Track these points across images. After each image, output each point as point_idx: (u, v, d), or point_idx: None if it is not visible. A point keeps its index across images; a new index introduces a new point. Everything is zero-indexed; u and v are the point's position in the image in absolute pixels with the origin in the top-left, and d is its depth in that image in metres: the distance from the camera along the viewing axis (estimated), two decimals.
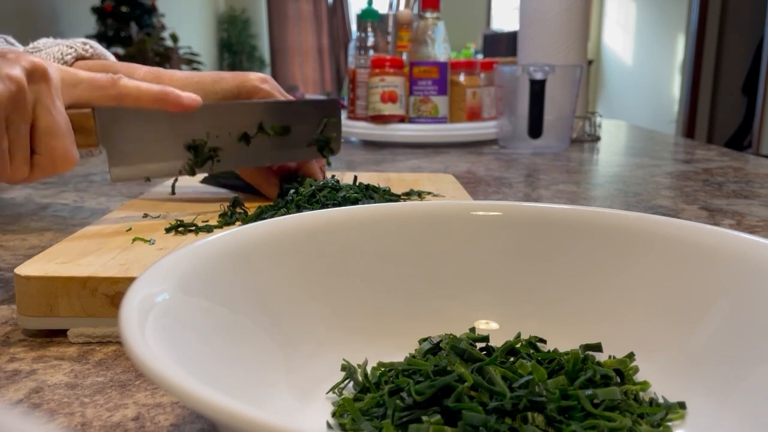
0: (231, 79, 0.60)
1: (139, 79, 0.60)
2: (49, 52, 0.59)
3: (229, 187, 0.64)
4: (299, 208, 0.50)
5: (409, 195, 0.60)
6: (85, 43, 0.61)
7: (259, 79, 0.60)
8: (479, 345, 0.32)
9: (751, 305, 0.28)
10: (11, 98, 0.41)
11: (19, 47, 0.63)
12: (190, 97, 0.50)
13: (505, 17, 5.90)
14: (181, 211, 0.54)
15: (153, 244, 0.44)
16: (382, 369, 0.30)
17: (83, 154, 0.58)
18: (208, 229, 0.48)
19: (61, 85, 0.45)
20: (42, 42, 0.61)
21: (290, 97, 0.63)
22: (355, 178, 0.57)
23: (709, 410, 0.27)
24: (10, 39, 0.65)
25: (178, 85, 0.60)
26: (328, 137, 0.61)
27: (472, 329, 0.34)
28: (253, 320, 0.29)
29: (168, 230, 0.47)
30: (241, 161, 0.58)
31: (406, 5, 1.39)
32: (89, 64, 0.60)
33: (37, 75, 0.43)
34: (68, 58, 0.59)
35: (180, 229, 0.47)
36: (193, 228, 0.48)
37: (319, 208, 0.44)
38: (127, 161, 0.52)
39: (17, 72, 0.42)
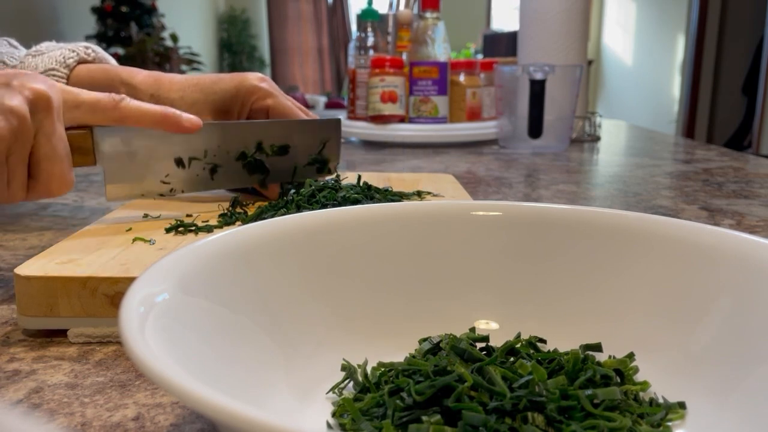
0: (229, 79, 0.60)
1: (139, 83, 0.60)
2: (52, 56, 0.59)
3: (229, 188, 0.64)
4: (299, 208, 0.50)
5: (411, 195, 0.60)
6: (87, 47, 0.61)
7: (257, 78, 0.60)
8: (479, 345, 0.32)
9: (751, 305, 0.28)
10: (13, 132, 0.41)
11: (22, 50, 0.63)
12: (190, 119, 0.50)
13: (505, 17, 5.90)
14: (181, 212, 0.54)
15: (153, 244, 0.44)
16: (382, 369, 0.30)
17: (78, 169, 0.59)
18: (208, 229, 0.48)
19: (63, 106, 0.45)
20: (45, 46, 0.61)
21: (288, 97, 0.63)
22: (359, 177, 0.57)
23: (709, 410, 0.27)
24: (13, 42, 0.65)
25: (178, 88, 0.60)
26: (326, 157, 0.62)
27: (472, 329, 0.34)
28: (253, 320, 0.29)
29: (168, 230, 0.47)
30: (238, 180, 0.58)
31: (406, 5, 1.39)
32: (90, 68, 0.60)
33: (40, 104, 0.43)
34: (70, 62, 0.59)
35: (180, 229, 0.47)
36: (193, 228, 0.48)
37: (319, 208, 0.44)
38: (123, 179, 0.52)
39: (20, 104, 0.42)
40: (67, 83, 0.59)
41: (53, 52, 0.60)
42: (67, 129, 0.46)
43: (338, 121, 0.63)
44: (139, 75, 0.60)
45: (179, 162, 0.54)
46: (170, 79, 0.60)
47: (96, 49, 0.62)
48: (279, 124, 0.59)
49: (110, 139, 0.50)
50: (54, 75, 0.59)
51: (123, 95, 0.48)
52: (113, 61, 0.65)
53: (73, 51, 0.60)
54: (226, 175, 0.57)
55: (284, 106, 0.62)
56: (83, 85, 0.59)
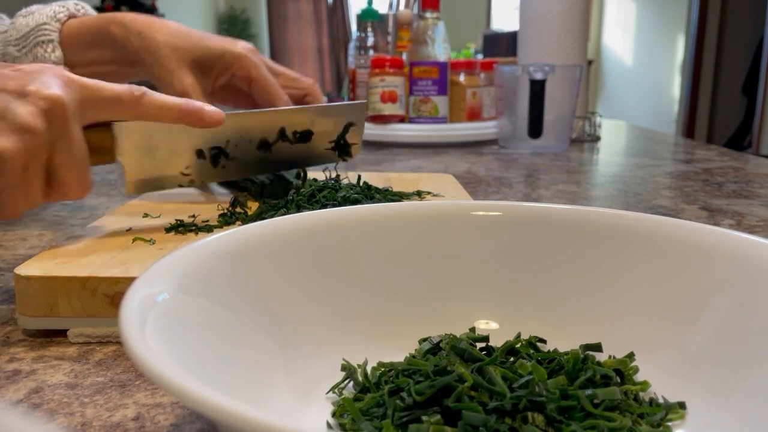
0: (220, 40, 0.60)
1: (130, 20, 0.60)
2: (42, 13, 0.60)
3: (229, 186, 0.64)
4: (299, 208, 0.50)
5: (411, 195, 0.60)
6: (77, 4, 0.62)
7: (246, 48, 0.60)
8: (479, 345, 0.32)
9: (751, 305, 0.28)
10: (28, 150, 0.39)
11: (6, 21, 0.63)
12: (212, 113, 0.48)
13: (505, 17, 5.90)
14: (181, 212, 0.54)
15: (153, 244, 0.44)
16: (382, 369, 0.30)
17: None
18: (208, 229, 0.48)
19: (82, 105, 0.43)
20: (35, 7, 0.62)
21: (278, 67, 0.62)
22: (359, 177, 0.57)
23: (709, 410, 0.27)
24: (3, 16, 0.65)
25: (166, 32, 0.60)
26: (348, 142, 0.60)
27: (472, 329, 0.34)
28: (253, 320, 0.29)
29: (168, 230, 0.47)
30: (259, 168, 0.57)
31: (406, 5, 1.40)
32: (83, 19, 0.60)
33: (56, 113, 0.40)
34: (61, 16, 0.60)
35: (180, 229, 0.47)
36: (193, 228, 0.48)
37: (319, 208, 0.44)
38: (142, 174, 0.51)
39: (35, 120, 0.39)
40: (60, 37, 0.59)
41: (43, 9, 0.60)
42: (86, 128, 0.45)
43: (363, 104, 0.62)
44: (134, 16, 0.61)
45: (200, 153, 0.53)
46: (162, 23, 0.61)
47: (85, 6, 0.63)
48: (301, 111, 0.57)
49: (130, 136, 0.49)
50: (45, 29, 0.59)
51: (143, 89, 0.45)
52: (93, 12, 0.66)
53: (63, 6, 0.60)
54: (246, 165, 0.56)
55: (266, 81, 0.61)
56: (76, 37, 0.60)
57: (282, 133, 0.56)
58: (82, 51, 0.60)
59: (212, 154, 0.53)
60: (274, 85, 0.62)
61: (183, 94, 0.59)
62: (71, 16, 0.61)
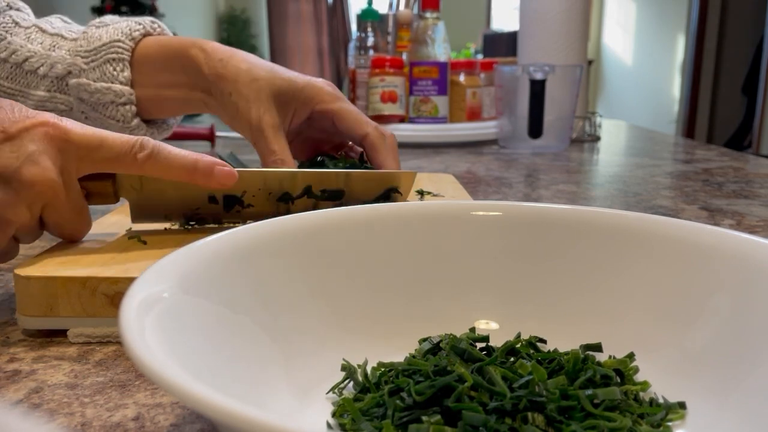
0: (300, 75, 0.56)
1: (212, 49, 0.55)
2: (117, 28, 0.56)
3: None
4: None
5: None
6: (153, 21, 0.59)
7: (325, 82, 0.56)
8: (479, 345, 0.32)
9: (751, 305, 0.28)
10: (11, 233, 0.38)
11: (74, 25, 0.60)
12: (224, 171, 0.43)
13: (505, 17, 5.89)
14: None
15: (152, 244, 0.44)
16: (382, 369, 0.30)
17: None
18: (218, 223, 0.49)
19: (78, 163, 0.40)
20: (108, 18, 0.59)
21: (350, 105, 0.56)
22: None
23: (709, 410, 0.27)
24: (65, 18, 0.61)
25: (248, 61, 0.55)
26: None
27: (472, 329, 0.34)
28: (253, 320, 0.29)
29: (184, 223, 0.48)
30: (276, 210, 0.50)
31: (406, 5, 1.40)
32: (160, 39, 0.57)
33: (42, 195, 0.38)
34: (136, 35, 0.56)
35: (191, 223, 0.49)
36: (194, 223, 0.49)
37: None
38: (149, 216, 0.47)
39: (15, 213, 0.37)
40: (132, 56, 0.56)
41: (118, 24, 0.57)
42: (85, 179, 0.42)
43: (412, 175, 0.54)
44: (215, 44, 0.57)
45: (212, 199, 0.47)
46: (245, 54, 0.57)
47: (161, 25, 0.60)
48: (335, 175, 0.50)
49: (134, 186, 0.45)
50: (119, 47, 0.56)
51: (150, 146, 0.41)
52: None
53: (140, 24, 0.57)
54: (262, 215, 0.48)
55: (351, 110, 0.56)
56: (150, 58, 0.56)
57: (308, 190, 0.49)
58: (153, 73, 0.57)
59: (226, 200, 0.48)
60: (360, 113, 0.57)
61: (257, 127, 0.54)
62: (146, 35, 0.57)
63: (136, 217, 0.47)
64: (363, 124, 0.56)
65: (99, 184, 0.44)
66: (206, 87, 0.56)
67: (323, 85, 0.56)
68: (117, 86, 0.56)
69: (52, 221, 0.41)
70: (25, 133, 0.38)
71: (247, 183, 0.47)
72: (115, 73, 0.56)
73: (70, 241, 0.43)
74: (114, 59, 0.56)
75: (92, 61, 0.56)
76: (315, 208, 0.48)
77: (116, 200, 0.45)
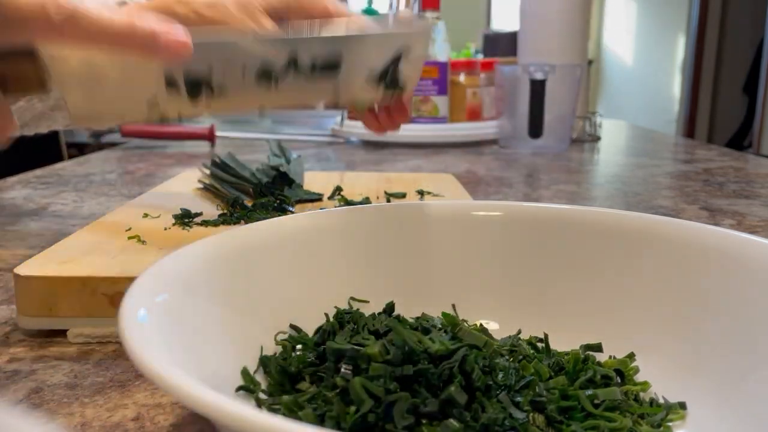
0: None
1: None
2: None
3: (229, 186, 0.63)
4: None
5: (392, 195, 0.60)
6: None
7: None
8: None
9: (751, 305, 0.28)
10: None
11: None
12: (173, 37, 0.33)
13: (505, 17, 5.89)
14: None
15: (152, 244, 0.44)
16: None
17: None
18: (215, 224, 0.50)
19: None
20: None
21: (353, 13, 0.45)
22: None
23: (709, 410, 0.27)
24: None
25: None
26: (398, 77, 0.41)
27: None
28: (253, 320, 0.29)
29: (177, 218, 0.49)
30: (259, 104, 0.40)
31: (406, 5, 1.40)
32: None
33: None
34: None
35: (185, 220, 0.49)
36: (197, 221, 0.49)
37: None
38: (88, 106, 0.37)
39: None
40: None
41: None
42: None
43: (428, 24, 0.44)
44: None
45: (170, 81, 0.37)
46: None
47: None
48: (321, 40, 0.39)
49: (66, 62, 0.35)
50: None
51: (72, 4, 0.31)
52: None
53: None
54: (239, 100, 0.39)
55: (344, 12, 0.45)
56: None
57: (293, 63, 0.38)
58: None
59: (188, 83, 0.37)
60: (355, 15, 0.46)
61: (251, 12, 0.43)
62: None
63: (76, 111, 0.37)
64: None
65: (15, 64, 0.34)
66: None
67: None
68: None
69: None
70: None
71: (209, 53, 0.37)
72: None
73: None
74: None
75: None
76: (308, 89, 0.39)
77: (43, 88, 0.36)
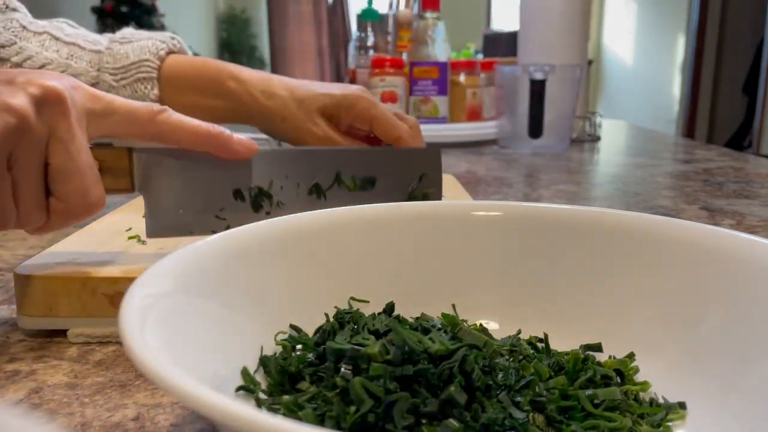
0: (336, 86, 0.58)
1: (248, 77, 0.57)
2: (143, 46, 0.56)
3: None
4: None
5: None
6: (173, 38, 0.59)
7: (362, 89, 0.58)
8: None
9: (751, 305, 0.28)
10: (12, 133, 0.33)
11: (91, 34, 0.60)
12: (242, 142, 0.42)
13: (505, 17, 5.89)
14: None
15: (152, 244, 0.44)
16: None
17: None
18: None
19: (89, 115, 0.37)
20: (128, 32, 0.59)
21: (389, 113, 0.56)
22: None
23: (709, 410, 0.27)
24: (72, 23, 0.61)
25: (286, 86, 0.57)
26: (424, 192, 0.50)
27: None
28: (253, 320, 0.29)
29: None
30: (307, 208, 0.46)
31: (406, 5, 1.40)
32: (193, 61, 0.58)
33: (49, 103, 0.35)
34: (162, 53, 0.57)
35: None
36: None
37: None
38: (167, 213, 0.43)
39: (21, 102, 0.34)
40: (159, 75, 0.57)
41: (142, 41, 0.57)
42: (97, 145, 0.39)
43: (437, 150, 0.53)
44: (246, 70, 0.58)
45: (237, 194, 0.44)
46: (280, 78, 0.58)
47: (180, 41, 0.60)
48: (362, 153, 0.49)
49: (153, 162, 0.41)
50: (148, 66, 0.56)
51: (165, 107, 0.40)
52: (189, 53, 0.62)
53: (163, 42, 0.58)
54: (294, 206, 0.46)
55: (387, 116, 0.57)
56: (177, 77, 0.57)
57: (338, 178, 0.47)
58: (183, 92, 0.57)
59: (252, 195, 0.45)
60: (394, 118, 0.57)
61: (326, 137, 0.55)
62: (170, 52, 0.58)
63: (153, 217, 0.42)
64: (396, 128, 0.57)
65: (113, 154, 0.40)
66: (249, 115, 0.57)
67: (359, 92, 0.58)
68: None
69: (58, 164, 0.36)
70: (34, 71, 0.37)
71: (273, 167, 0.45)
72: (146, 91, 0.56)
73: (79, 212, 0.37)
74: (144, 78, 0.56)
75: (122, 79, 0.56)
76: (347, 202, 0.45)
77: (131, 187, 0.41)
